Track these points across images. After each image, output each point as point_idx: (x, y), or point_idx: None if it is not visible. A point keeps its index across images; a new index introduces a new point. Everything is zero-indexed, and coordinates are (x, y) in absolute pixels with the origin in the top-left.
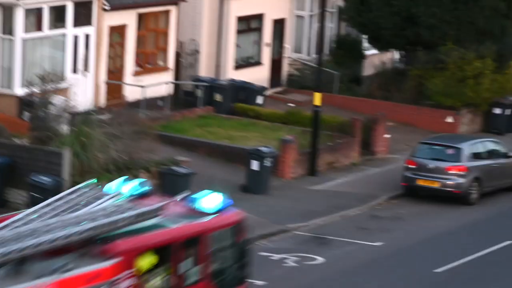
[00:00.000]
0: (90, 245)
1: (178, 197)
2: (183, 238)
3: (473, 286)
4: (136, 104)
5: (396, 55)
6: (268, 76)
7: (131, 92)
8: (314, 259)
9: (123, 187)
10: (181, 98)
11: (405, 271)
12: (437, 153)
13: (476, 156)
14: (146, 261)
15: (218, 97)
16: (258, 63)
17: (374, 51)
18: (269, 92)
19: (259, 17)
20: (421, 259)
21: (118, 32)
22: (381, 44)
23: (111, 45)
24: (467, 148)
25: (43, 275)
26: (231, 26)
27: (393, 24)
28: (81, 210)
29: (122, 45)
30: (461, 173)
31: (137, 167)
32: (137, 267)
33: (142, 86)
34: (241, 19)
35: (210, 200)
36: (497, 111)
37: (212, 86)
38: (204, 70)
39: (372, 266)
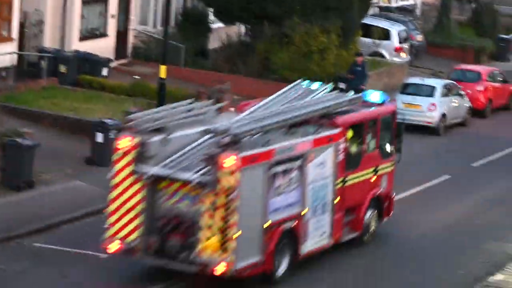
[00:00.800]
0: (323, 119)
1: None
2: (369, 119)
3: None
4: None
5: (242, 28)
6: (114, 48)
7: None
8: None
9: (312, 86)
10: (25, 69)
11: None
12: None
13: None
14: (350, 132)
15: (62, 68)
16: (103, 34)
17: (220, 25)
18: (114, 64)
19: None
20: None
21: None
22: (227, 18)
23: None
24: None
25: (306, 135)
26: None
27: None
28: (307, 98)
29: None
30: None
31: None
32: (347, 136)
33: None
34: None
35: (379, 96)
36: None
37: (57, 57)
38: (49, 41)
39: None
